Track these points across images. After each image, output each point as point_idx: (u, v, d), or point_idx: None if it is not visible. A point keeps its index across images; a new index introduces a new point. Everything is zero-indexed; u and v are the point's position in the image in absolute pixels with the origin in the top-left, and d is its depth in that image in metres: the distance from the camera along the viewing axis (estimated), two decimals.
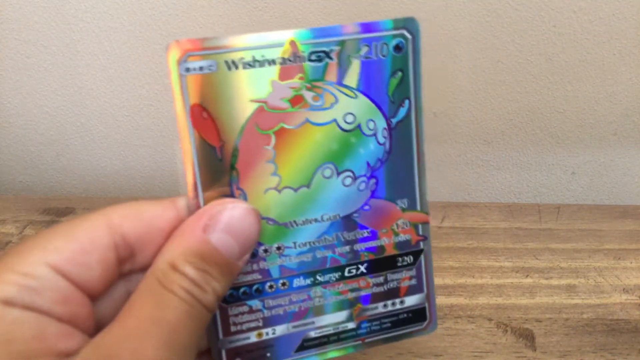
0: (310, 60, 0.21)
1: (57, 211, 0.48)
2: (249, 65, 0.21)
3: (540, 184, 0.54)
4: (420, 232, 0.24)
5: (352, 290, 0.24)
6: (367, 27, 0.22)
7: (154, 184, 0.55)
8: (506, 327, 0.36)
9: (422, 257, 0.25)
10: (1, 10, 0.48)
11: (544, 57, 0.49)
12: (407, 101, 0.23)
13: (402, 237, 0.24)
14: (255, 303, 0.23)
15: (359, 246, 0.24)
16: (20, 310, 0.18)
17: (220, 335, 0.23)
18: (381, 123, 0.22)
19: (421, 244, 0.24)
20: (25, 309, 0.18)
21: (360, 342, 0.24)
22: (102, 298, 0.21)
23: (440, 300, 0.38)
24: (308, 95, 0.21)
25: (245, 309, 0.23)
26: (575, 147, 0.53)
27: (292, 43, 0.21)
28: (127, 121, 0.53)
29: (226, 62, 0.20)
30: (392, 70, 0.22)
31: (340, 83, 0.22)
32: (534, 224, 0.46)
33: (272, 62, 0.21)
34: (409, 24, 0.22)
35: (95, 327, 0.20)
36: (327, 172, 0.22)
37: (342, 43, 0.21)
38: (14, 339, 0.18)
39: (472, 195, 0.55)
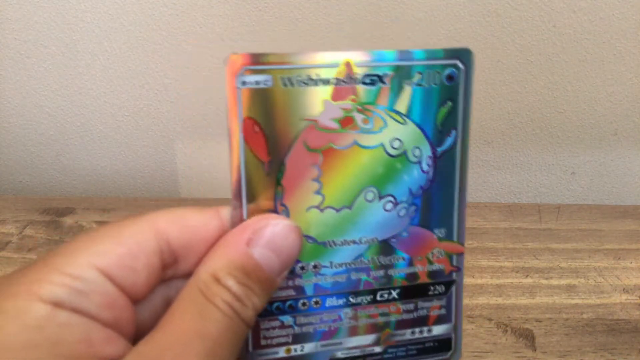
0: (363, 83, 0.21)
1: (57, 211, 0.48)
2: (304, 83, 0.21)
3: (540, 184, 0.54)
4: (455, 263, 0.25)
5: (382, 315, 0.24)
6: (421, 55, 0.22)
7: (154, 184, 0.56)
8: (506, 327, 0.36)
9: (453, 287, 0.25)
10: (1, 10, 0.48)
11: (544, 57, 0.49)
12: (454, 131, 0.23)
13: (436, 266, 0.24)
14: (287, 319, 0.23)
15: (393, 271, 0.24)
16: (69, 313, 0.18)
17: (250, 348, 0.23)
18: (427, 151, 0.23)
19: (454, 274, 0.25)
20: (73, 312, 0.18)
21: None
22: (141, 303, 0.21)
23: None
24: (358, 118, 0.22)
25: (276, 324, 0.23)
26: (575, 147, 0.53)
27: (348, 64, 0.21)
28: (127, 121, 0.53)
29: (282, 78, 0.21)
30: (443, 99, 0.22)
31: (390, 108, 0.22)
32: (534, 224, 0.46)
33: (326, 81, 0.21)
34: (463, 55, 0.22)
35: (136, 332, 0.20)
36: (370, 196, 0.22)
37: (396, 68, 0.22)
38: (62, 341, 0.18)
39: (472, 195, 0.55)
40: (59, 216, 0.47)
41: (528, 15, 0.47)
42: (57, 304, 0.18)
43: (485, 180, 0.54)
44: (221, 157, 0.54)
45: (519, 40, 0.48)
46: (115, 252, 0.19)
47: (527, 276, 0.40)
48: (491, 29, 0.48)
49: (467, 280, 0.40)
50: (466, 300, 0.38)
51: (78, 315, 0.18)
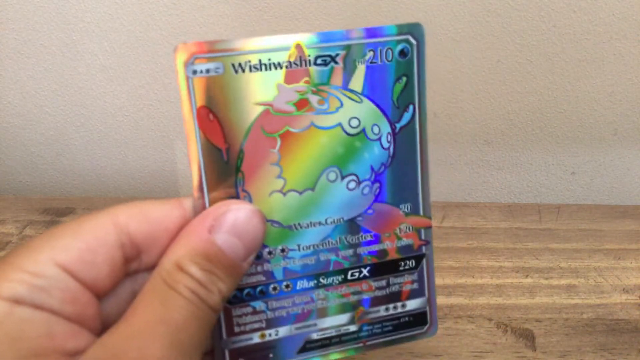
0: (316, 64, 0.21)
1: (57, 211, 0.48)
2: (256, 68, 0.21)
3: (540, 184, 0.54)
4: (423, 237, 0.24)
5: (354, 293, 0.24)
6: (372, 32, 0.22)
7: (154, 184, 0.56)
8: (506, 327, 0.36)
9: (424, 261, 0.25)
10: (1, 10, 0.48)
11: (544, 57, 0.49)
12: (411, 106, 0.23)
13: (405, 241, 0.24)
14: (259, 304, 0.23)
15: (362, 250, 0.24)
16: (30, 309, 0.18)
17: (224, 336, 0.23)
18: (385, 128, 0.23)
19: (423, 248, 0.25)
20: (34, 308, 0.18)
21: (361, 344, 0.24)
22: (107, 297, 0.21)
23: (440, 300, 0.38)
24: (313, 99, 0.22)
25: (248, 310, 0.23)
26: (575, 147, 0.53)
27: (299, 47, 0.21)
28: (127, 121, 0.53)
29: (233, 65, 0.21)
30: (397, 75, 0.22)
31: (345, 87, 0.22)
32: (534, 224, 0.46)
33: (278, 65, 0.21)
34: (414, 30, 0.22)
35: (101, 326, 0.20)
36: (332, 176, 0.22)
37: (347, 47, 0.21)
38: (24, 337, 0.18)
39: (472, 195, 0.55)
40: (59, 216, 0.47)
41: (528, 15, 0.47)
42: (18, 301, 0.18)
43: (485, 180, 0.54)
44: None
45: (519, 40, 0.48)
46: (75, 248, 0.19)
47: (527, 276, 0.40)
48: (491, 29, 0.48)
49: (467, 280, 0.40)
50: (466, 300, 0.38)
51: (39, 311, 0.18)
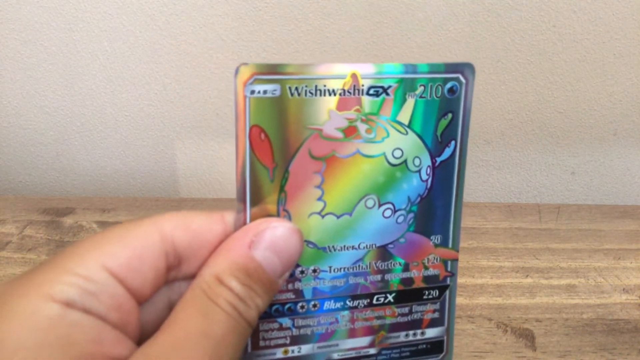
0: (368, 94, 0.22)
1: (57, 211, 0.48)
2: (311, 93, 0.21)
3: (540, 184, 0.54)
4: (449, 269, 0.25)
5: (377, 318, 0.25)
6: (425, 68, 0.22)
7: (154, 184, 0.56)
8: (506, 327, 0.36)
9: (447, 292, 0.25)
10: (1, 10, 0.48)
11: (544, 57, 0.49)
12: (453, 142, 0.23)
13: (432, 271, 0.25)
14: (286, 321, 0.23)
15: (389, 276, 0.24)
16: (81, 313, 0.18)
17: (249, 349, 0.23)
18: (426, 161, 0.23)
19: (448, 279, 0.25)
20: (84, 312, 0.18)
21: None
22: (144, 304, 0.21)
23: None
24: (362, 127, 0.22)
25: (275, 325, 0.23)
26: (575, 147, 0.53)
27: (354, 76, 0.22)
28: (127, 121, 0.53)
29: (289, 88, 0.21)
30: (444, 111, 0.23)
31: (393, 119, 0.23)
32: (534, 224, 0.46)
33: (332, 92, 0.22)
34: (465, 69, 0.23)
35: (140, 334, 0.21)
36: (370, 203, 0.23)
37: (400, 80, 0.22)
38: (74, 341, 0.18)
39: (472, 195, 0.55)
40: (59, 216, 0.47)
41: (528, 15, 0.47)
42: (69, 304, 0.18)
43: (485, 180, 0.54)
44: (221, 157, 0.54)
45: (519, 40, 0.48)
46: (124, 254, 0.20)
47: (527, 276, 0.40)
48: (491, 29, 0.48)
49: (467, 280, 0.40)
50: (466, 300, 0.38)
51: (88, 315, 0.18)
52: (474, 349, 0.34)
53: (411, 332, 0.25)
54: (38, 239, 0.44)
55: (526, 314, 0.37)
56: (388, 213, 0.23)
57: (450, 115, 0.23)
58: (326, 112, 0.22)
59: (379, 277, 0.24)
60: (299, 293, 0.23)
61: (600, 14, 0.47)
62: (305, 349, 0.24)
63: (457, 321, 0.36)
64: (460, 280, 0.40)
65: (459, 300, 0.38)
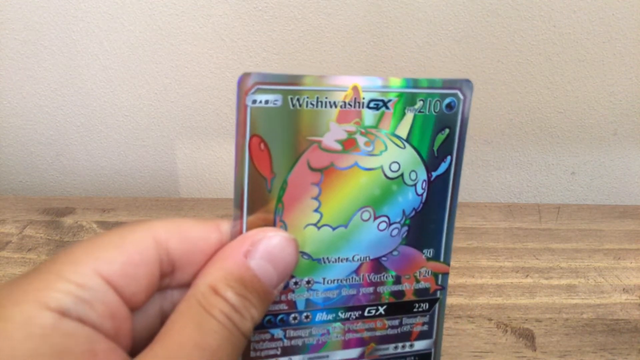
0: (368, 107, 0.22)
1: (57, 211, 0.48)
2: (312, 104, 0.21)
3: (540, 184, 0.54)
4: (440, 282, 0.25)
5: (368, 330, 0.25)
6: (425, 83, 0.23)
7: (154, 184, 0.56)
8: (506, 327, 0.36)
9: (437, 305, 0.26)
10: (1, 10, 0.48)
11: (544, 57, 0.49)
12: (449, 157, 0.24)
13: (423, 284, 0.25)
14: (277, 332, 0.24)
15: (381, 288, 0.25)
16: (75, 322, 0.18)
17: None
18: (422, 175, 0.24)
19: (438, 292, 0.26)
20: (79, 321, 0.18)
21: None
22: (136, 312, 0.21)
23: None
24: (361, 140, 0.22)
25: (267, 336, 0.23)
26: (575, 147, 0.53)
27: (355, 89, 0.22)
28: (127, 121, 0.53)
29: (291, 99, 0.21)
30: (441, 126, 0.23)
31: (392, 132, 0.23)
32: (534, 224, 0.46)
33: (333, 104, 0.22)
34: (463, 85, 0.23)
35: (132, 343, 0.20)
36: (366, 215, 0.23)
37: (401, 95, 0.22)
38: (67, 351, 0.18)
39: (472, 195, 0.55)
40: (59, 216, 0.47)
41: (528, 15, 0.47)
42: (64, 313, 0.18)
43: (485, 180, 0.54)
44: (221, 157, 0.54)
45: (519, 40, 0.48)
46: (118, 260, 0.19)
47: (527, 276, 0.40)
48: (491, 29, 0.48)
49: (467, 280, 0.40)
50: (466, 300, 0.38)
51: (83, 325, 0.18)
52: (474, 349, 0.34)
53: (400, 344, 0.25)
54: (38, 239, 0.44)
55: (526, 314, 0.37)
56: (383, 226, 0.23)
57: (447, 130, 0.23)
58: (326, 123, 0.22)
59: (371, 289, 0.24)
60: (292, 304, 0.23)
61: (600, 14, 0.47)
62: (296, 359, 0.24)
63: (457, 321, 0.36)
64: (460, 280, 0.40)
65: (459, 300, 0.38)
